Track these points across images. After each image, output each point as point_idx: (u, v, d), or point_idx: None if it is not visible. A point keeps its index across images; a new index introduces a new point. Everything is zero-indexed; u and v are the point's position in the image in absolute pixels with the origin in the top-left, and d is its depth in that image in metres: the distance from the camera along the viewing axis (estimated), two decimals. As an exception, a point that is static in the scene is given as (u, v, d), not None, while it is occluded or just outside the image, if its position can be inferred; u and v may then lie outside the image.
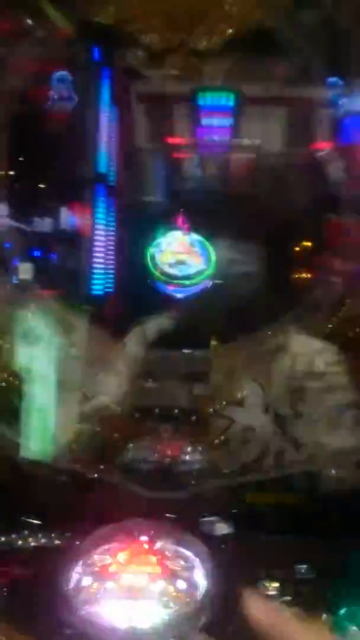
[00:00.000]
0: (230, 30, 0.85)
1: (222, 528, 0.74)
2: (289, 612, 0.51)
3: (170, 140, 1.09)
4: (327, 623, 0.57)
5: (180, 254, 0.96)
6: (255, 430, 0.78)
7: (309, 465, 0.77)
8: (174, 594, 0.58)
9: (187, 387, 0.78)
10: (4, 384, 0.78)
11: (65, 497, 0.76)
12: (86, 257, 1.01)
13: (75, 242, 1.01)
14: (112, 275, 1.04)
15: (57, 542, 0.72)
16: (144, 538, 0.63)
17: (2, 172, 0.92)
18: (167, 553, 0.61)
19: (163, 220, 0.98)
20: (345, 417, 0.75)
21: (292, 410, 0.76)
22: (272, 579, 0.64)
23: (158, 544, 0.62)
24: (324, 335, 0.78)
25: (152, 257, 0.96)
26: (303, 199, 0.96)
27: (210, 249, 0.97)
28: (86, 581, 0.60)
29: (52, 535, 0.73)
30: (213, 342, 0.84)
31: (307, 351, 0.76)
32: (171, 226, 0.97)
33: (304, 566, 0.67)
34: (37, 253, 0.97)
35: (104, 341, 0.84)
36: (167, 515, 0.73)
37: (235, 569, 0.65)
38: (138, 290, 0.97)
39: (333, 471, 0.76)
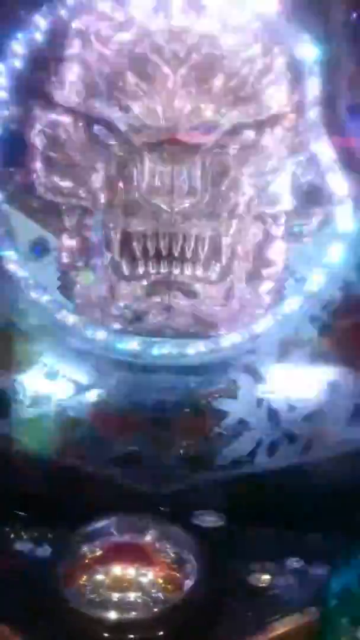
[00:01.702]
0: None
1: (214, 521, 0.74)
2: None
3: None
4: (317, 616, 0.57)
5: None
6: (248, 423, 0.77)
7: (302, 458, 0.77)
8: (164, 586, 0.58)
9: (182, 379, 0.78)
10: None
11: (58, 491, 0.76)
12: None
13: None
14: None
15: (49, 535, 0.72)
16: (134, 531, 0.63)
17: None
18: (157, 545, 0.61)
19: None
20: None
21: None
22: (263, 571, 0.65)
23: (149, 537, 0.63)
24: None
25: None
26: None
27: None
28: (77, 573, 0.60)
29: (45, 529, 0.73)
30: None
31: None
32: None
33: (296, 559, 0.68)
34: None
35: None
36: (159, 507, 0.73)
37: (226, 561, 0.65)
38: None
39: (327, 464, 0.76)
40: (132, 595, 0.56)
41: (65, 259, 0.79)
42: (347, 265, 0.76)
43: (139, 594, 0.56)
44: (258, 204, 0.77)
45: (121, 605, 0.56)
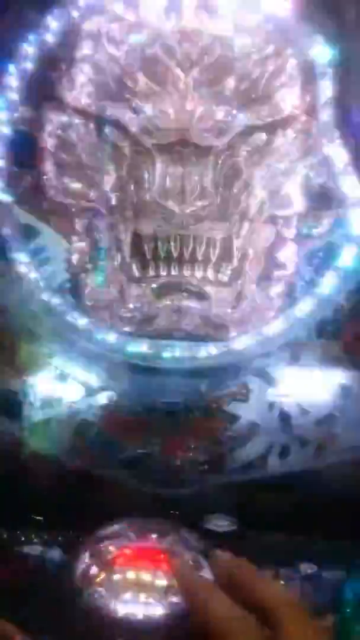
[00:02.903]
0: None
1: (226, 525, 0.74)
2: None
3: None
4: (332, 623, 0.57)
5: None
6: (259, 426, 0.77)
7: (314, 463, 0.76)
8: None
9: (192, 383, 0.77)
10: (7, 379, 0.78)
11: (67, 493, 0.76)
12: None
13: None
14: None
15: (59, 538, 0.72)
16: (148, 534, 0.63)
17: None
18: (171, 549, 0.61)
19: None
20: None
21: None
22: (277, 577, 0.64)
23: (162, 541, 0.62)
24: None
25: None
26: None
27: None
28: (92, 573, 0.60)
29: (56, 532, 0.73)
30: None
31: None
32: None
33: (309, 564, 0.67)
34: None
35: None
36: (171, 512, 0.73)
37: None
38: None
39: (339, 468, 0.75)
40: (147, 599, 0.56)
41: (75, 261, 0.78)
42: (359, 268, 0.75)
43: (154, 597, 0.56)
44: (270, 206, 0.77)
45: (136, 609, 0.56)
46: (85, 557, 0.61)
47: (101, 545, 0.61)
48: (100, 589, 0.57)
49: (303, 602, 0.49)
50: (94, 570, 0.59)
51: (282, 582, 0.63)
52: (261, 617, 0.44)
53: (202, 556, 0.61)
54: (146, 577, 0.57)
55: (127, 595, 0.56)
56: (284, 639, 0.43)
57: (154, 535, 0.61)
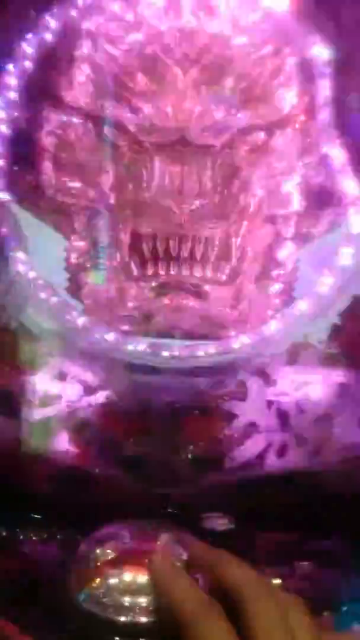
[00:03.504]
0: None
1: (224, 524, 0.74)
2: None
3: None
4: (329, 621, 0.57)
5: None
6: (258, 425, 0.77)
7: (312, 461, 0.76)
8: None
9: (191, 381, 0.77)
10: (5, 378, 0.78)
11: (66, 492, 0.76)
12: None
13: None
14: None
15: (59, 537, 0.72)
16: (147, 534, 0.63)
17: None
18: (170, 550, 0.61)
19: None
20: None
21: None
22: (274, 575, 0.64)
23: (161, 541, 0.62)
24: None
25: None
26: None
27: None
28: (88, 576, 0.60)
29: (54, 530, 0.73)
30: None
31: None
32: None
33: (306, 563, 0.67)
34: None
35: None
36: (169, 511, 0.73)
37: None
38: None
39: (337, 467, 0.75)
40: (144, 600, 0.56)
41: (74, 260, 0.78)
42: (358, 267, 0.75)
43: (151, 598, 0.56)
44: (268, 205, 0.77)
45: (133, 610, 0.56)
46: (82, 558, 0.60)
47: (98, 546, 0.61)
48: (97, 589, 0.57)
49: (265, 578, 0.47)
50: (90, 570, 0.59)
51: (279, 580, 0.63)
52: (230, 601, 0.43)
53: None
54: (143, 578, 0.56)
55: (124, 596, 0.56)
56: (249, 620, 0.41)
57: (151, 536, 0.61)
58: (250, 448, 0.77)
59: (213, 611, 0.43)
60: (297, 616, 0.43)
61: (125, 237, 0.77)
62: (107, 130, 0.75)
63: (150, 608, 0.53)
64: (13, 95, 0.75)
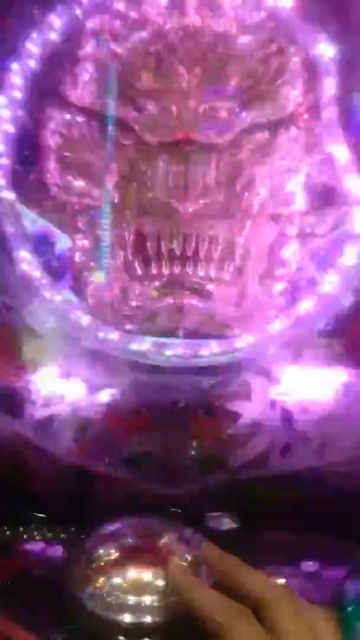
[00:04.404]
0: None
1: (228, 523, 0.74)
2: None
3: None
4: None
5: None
6: (262, 424, 0.77)
7: (316, 460, 0.76)
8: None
9: (194, 380, 0.77)
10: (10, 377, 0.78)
11: (70, 491, 0.76)
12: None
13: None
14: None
15: (62, 536, 0.72)
16: (151, 533, 0.63)
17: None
18: (172, 548, 0.61)
19: None
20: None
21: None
22: (278, 575, 0.64)
23: (165, 540, 0.62)
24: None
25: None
26: None
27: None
28: (92, 575, 0.60)
29: (57, 529, 0.73)
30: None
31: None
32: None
33: (310, 562, 0.67)
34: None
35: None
36: (173, 510, 0.73)
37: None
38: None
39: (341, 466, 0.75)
40: (148, 599, 0.56)
41: (78, 259, 0.78)
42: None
43: (155, 597, 0.56)
44: (272, 204, 0.77)
45: (137, 609, 0.56)
46: (86, 557, 0.60)
47: (102, 545, 0.61)
48: (100, 588, 0.57)
49: (293, 594, 0.49)
50: (94, 570, 0.59)
51: (283, 580, 0.63)
52: (252, 610, 0.46)
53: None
54: (146, 576, 0.56)
55: (128, 595, 0.56)
56: (280, 636, 0.44)
57: (155, 535, 0.61)
58: (254, 447, 0.77)
59: (246, 616, 0.46)
60: (321, 622, 0.47)
61: (129, 236, 0.77)
62: (111, 129, 0.75)
63: (164, 616, 0.54)
64: (18, 94, 0.75)
